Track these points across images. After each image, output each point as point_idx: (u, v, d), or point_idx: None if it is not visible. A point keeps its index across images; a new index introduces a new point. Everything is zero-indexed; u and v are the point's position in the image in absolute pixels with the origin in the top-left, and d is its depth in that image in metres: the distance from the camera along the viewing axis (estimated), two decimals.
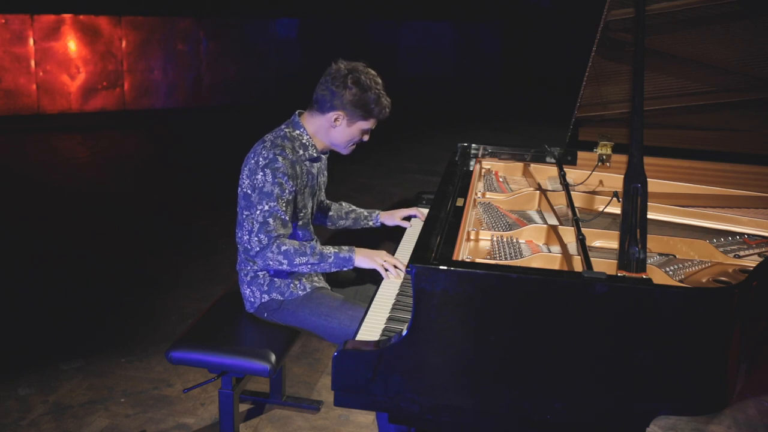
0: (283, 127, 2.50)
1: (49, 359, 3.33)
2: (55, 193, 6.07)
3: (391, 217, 2.91)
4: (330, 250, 2.41)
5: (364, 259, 2.41)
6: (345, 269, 2.43)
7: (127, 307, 3.96)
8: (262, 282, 2.50)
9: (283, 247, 2.35)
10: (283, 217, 2.37)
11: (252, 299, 2.53)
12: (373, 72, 2.45)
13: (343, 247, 2.44)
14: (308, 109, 2.49)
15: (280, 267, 2.38)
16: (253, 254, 2.38)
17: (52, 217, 5.44)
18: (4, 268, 4.44)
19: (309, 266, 2.38)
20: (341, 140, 2.47)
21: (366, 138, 2.52)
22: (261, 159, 2.36)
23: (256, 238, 2.36)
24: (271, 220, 2.35)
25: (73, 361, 3.33)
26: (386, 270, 2.40)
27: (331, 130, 2.45)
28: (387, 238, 2.65)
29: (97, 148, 7.71)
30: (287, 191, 2.37)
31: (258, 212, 2.35)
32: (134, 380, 3.19)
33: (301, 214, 2.50)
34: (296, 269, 2.39)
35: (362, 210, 2.90)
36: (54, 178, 6.48)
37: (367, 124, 2.45)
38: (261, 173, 2.35)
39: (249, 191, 2.39)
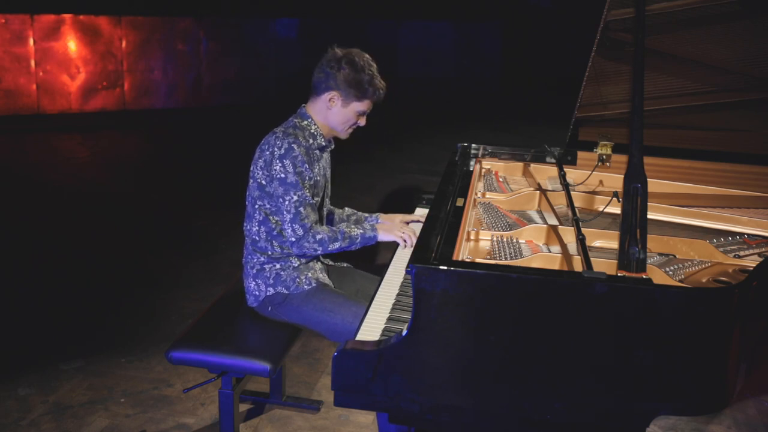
0: (291, 118, 2.56)
1: (49, 359, 3.34)
2: (55, 193, 6.07)
3: (392, 222, 2.90)
4: (356, 231, 2.56)
5: (385, 233, 2.62)
6: (369, 244, 2.60)
7: (127, 307, 3.96)
8: (268, 275, 2.53)
9: (318, 236, 2.46)
10: (311, 202, 2.47)
11: (257, 292, 2.55)
12: (367, 56, 2.53)
13: (366, 226, 2.60)
14: (309, 98, 2.56)
15: (314, 253, 2.50)
16: (289, 244, 2.48)
17: (52, 217, 5.44)
18: (4, 268, 4.44)
19: (339, 249, 2.53)
20: (337, 121, 2.54)
21: (362, 122, 2.59)
22: (276, 149, 2.42)
23: (291, 229, 2.45)
24: (302, 209, 2.43)
25: (73, 361, 3.34)
26: (405, 241, 2.62)
27: (327, 112, 2.52)
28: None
29: (97, 148, 7.71)
30: (308, 177, 2.45)
31: (287, 203, 2.43)
32: (134, 380, 3.19)
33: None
34: (328, 253, 2.53)
35: (363, 213, 2.94)
36: (54, 178, 6.49)
37: (362, 106, 2.52)
38: (279, 164, 2.41)
39: (264, 182, 2.46)
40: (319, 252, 2.49)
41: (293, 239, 2.45)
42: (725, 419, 3.04)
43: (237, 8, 10.08)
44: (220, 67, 9.86)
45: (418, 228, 2.74)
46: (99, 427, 2.85)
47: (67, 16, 8.57)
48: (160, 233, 5.19)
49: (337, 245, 2.50)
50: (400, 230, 2.63)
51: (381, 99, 2.54)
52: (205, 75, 9.75)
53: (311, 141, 2.52)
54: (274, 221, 2.50)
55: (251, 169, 2.51)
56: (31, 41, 8.37)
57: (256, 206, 2.50)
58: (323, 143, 2.57)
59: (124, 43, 9.00)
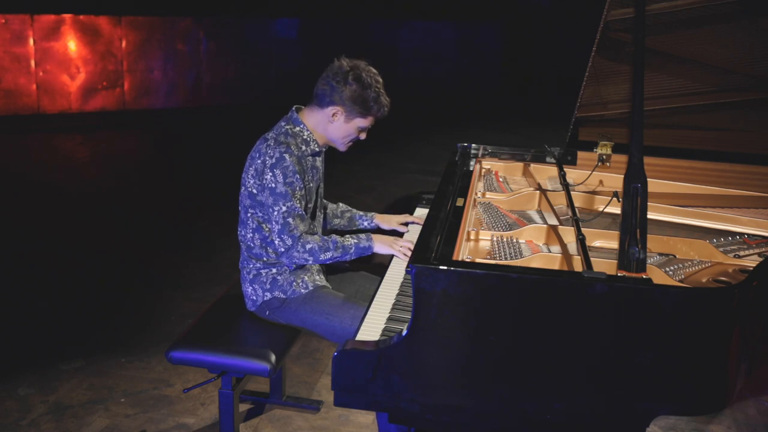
0: (282, 124, 2.51)
1: (49, 359, 3.34)
2: (55, 193, 6.07)
3: (388, 222, 2.89)
4: (350, 241, 2.49)
5: (382, 245, 2.53)
6: (364, 256, 2.54)
7: (127, 307, 3.96)
8: (264, 280, 2.51)
9: (308, 245, 2.41)
10: (301, 213, 2.42)
11: (254, 297, 2.54)
12: (374, 71, 2.48)
13: (362, 236, 2.53)
14: (308, 105, 2.53)
15: (305, 263, 2.46)
16: (279, 255, 2.45)
17: (52, 217, 5.44)
18: (4, 268, 4.44)
19: (333, 259, 2.47)
20: (338, 136, 2.51)
21: (363, 136, 2.56)
22: (267, 158, 2.39)
23: (279, 240, 2.41)
24: (291, 220, 2.39)
25: (73, 361, 3.33)
26: (404, 254, 2.52)
27: (328, 125, 2.49)
28: None
29: (97, 148, 7.71)
30: (298, 188, 2.41)
31: (276, 213, 2.39)
32: (134, 380, 3.19)
33: (305, 210, 2.51)
34: (320, 263, 2.48)
35: (357, 211, 2.91)
36: (54, 178, 6.48)
37: (365, 122, 2.49)
38: (270, 173, 2.38)
39: (255, 191, 2.43)
40: (310, 262, 2.44)
41: (282, 249, 2.41)
42: (725, 419, 3.04)
43: (237, 8, 10.07)
44: (220, 67, 9.86)
45: (415, 237, 2.73)
46: (99, 427, 2.85)
47: (67, 16, 8.56)
48: (160, 233, 5.19)
49: (329, 255, 2.44)
50: (399, 244, 2.54)
51: (385, 115, 2.50)
52: (205, 75, 9.75)
53: (304, 147, 2.47)
54: (267, 229, 2.48)
55: (242, 176, 2.48)
56: (31, 41, 8.36)
57: (249, 214, 2.48)
58: (316, 149, 2.52)
59: (124, 43, 8.99)
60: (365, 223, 2.90)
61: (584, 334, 1.75)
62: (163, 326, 3.73)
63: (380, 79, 2.47)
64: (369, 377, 1.84)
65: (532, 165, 3.21)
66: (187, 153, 7.81)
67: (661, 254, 2.39)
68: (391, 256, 2.62)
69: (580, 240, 2.05)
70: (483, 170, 3.17)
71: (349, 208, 2.91)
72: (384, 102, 2.46)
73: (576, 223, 2.24)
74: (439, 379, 1.83)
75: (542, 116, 9.93)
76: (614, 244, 2.29)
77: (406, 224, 2.90)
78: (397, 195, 6.32)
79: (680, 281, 2.16)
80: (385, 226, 2.91)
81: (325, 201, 2.84)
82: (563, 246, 2.33)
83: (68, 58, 8.66)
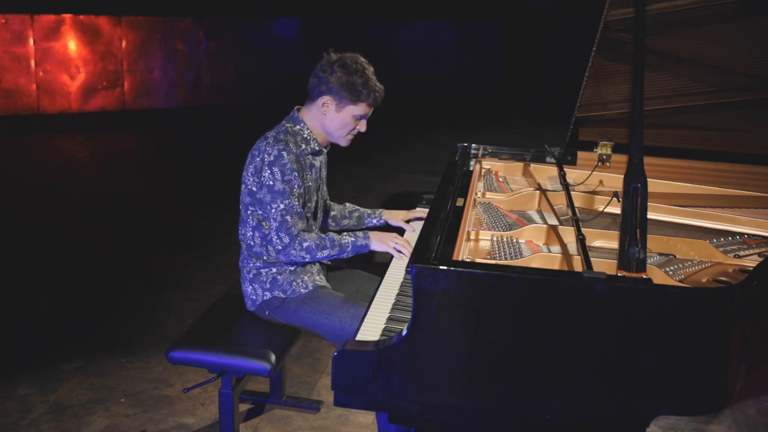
0: (284, 122, 2.52)
1: (49, 359, 3.34)
2: (55, 193, 6.07)
3: (395, 218, 2.89)
4: (347, 239, 2.50)
5: (378, 243, 2.55)
6: (361, 253, 2.54)
7: (127, 307, 3.96)
8: (264, 279, 2.51)
9: (305, 243, 2.42)
10: (299, 211, 2.42)
11: (254, 297, 2.54)
12: (363, 59, 2.47)
13: (359, 234, 2.53)
14: (305, 104, 2.52)
15: (302, 261, 2.47)
16: (276, 252, 2.45)
17: (52, 217, 5.44)
18: (4, 268, 4.44)
19: (330, 257, 2.48)
20: (333, 127, 2.47)
21: (362, 127, 2.51)
22: (266, 156, 2.39)
23: (277, 238, 2.42)
24: (288, 218, 2.40)
25: (73, 361, 3.33)
26: (399, 252, 2.54)
27: (323, 117, 2.47)
28: None
29: (97, 148, 7.71)
30: (296, 186, 2.41)
31: (274, 211, 2.39)
32: (134, 380, 3.19)
33: (305, 208, 2.51)
34: (317, 260, 2.49)
35: (365, 209, 2.91)
36: (54, 178, 6.48)
37: (358, 110, 2.45)
38: (268, 171, 2.38)
39: (254, 188, 2.43)
40: (307, 259, 2.45)
41: (279, 247, 2.42)
42: (725, 419, 3.04)
43: (237, 8, 10.07)
44: (220, 67, 9.86)
45: (413, 236, 2.73)
46: (99, 427, 2.85)
47: (67, 16, 8.56)
48: (161, 233, 5.19)
49: (326, 253, 2.45)
50: (394, 241, 2.55)
51: (378, 102, 2.47)
52: (205, 75, 9.74)
53: (303, 146, 2.47)
54: (267, 227, 2.48)
55: (243, 174, 2.48)
56: (31, 41, 8.36)
57: (249, 212, 2.49)
58: (316, 148, 2.52)
59: (124, 43, 8.99)
60: (374, 221, 2.89)
61: (584, 334, 1.75)
62: (163, 326, 3.73)
63: (369, 67, 2.45)
64: (369, 377, 1.84)
65: (532, 165, 3.21)
66: (187, 153, 7.81)
67: (661, 254, 2.39)
68: (392, 257, 2.62)
69: (580, 240, 2.05)
70: (483, 170, 3.17)
71: (357, 207, 2.90)
72: (374, 87, 2.43)
73: (576, 223, 2.24)
74: (439, 379, 1.83)
75: (542, 116, 9.93)
76: (614, 244, 2.29)
77: (409, 221, 2.90)
78: (397, 195, 6.32)
79: (680, 281, 2.16)
80: (393, 222, 2.90)
81: (331, 202, 2.84)
82: (563, 246, 2.33)
83: (68, 58, 8.66)
